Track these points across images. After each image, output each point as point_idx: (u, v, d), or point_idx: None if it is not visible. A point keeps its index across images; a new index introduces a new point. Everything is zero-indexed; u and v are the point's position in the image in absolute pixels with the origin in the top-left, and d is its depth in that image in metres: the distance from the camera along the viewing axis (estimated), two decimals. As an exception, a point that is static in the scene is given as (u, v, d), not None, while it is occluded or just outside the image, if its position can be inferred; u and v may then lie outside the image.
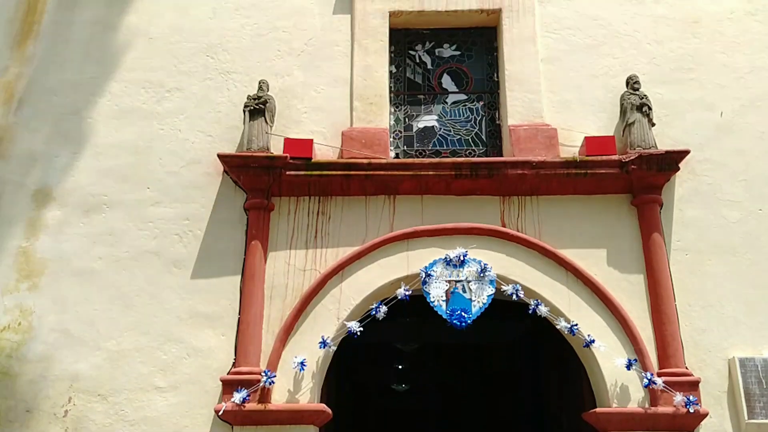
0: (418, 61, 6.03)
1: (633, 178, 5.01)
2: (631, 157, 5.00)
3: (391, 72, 5.83)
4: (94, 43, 5.90)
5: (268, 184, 5.16)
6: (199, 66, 5.77)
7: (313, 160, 5.22)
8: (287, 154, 5.16)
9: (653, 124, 5.23)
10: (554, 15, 5.88)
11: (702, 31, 5.83)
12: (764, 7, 5.93)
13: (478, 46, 6.06)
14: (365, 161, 5.20)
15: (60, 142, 5.56)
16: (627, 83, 5.46)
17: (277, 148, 5.27)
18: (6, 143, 5.59)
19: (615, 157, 5.08)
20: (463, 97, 5.91)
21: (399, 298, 4.77)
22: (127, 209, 5.32)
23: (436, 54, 6.06)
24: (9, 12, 6.05)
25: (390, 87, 5.76)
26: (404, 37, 6.04)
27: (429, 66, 6.02)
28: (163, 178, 5.41)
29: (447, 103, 5.90)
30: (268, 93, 5.46)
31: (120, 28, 5.94)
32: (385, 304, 4.78)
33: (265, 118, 5.35)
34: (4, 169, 5.51)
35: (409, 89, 5.93)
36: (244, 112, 5.39)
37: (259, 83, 5.49)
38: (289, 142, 5.29)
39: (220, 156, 5.20)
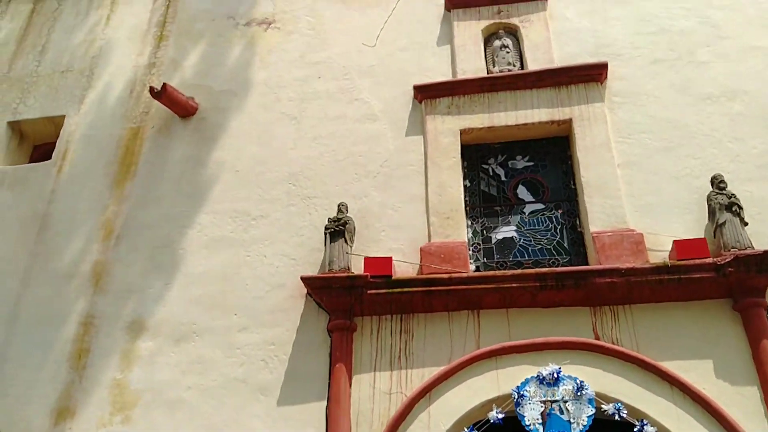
0: (491, 174, 6.42)
1: (732, 281, 5.01)
2: (727, 260, 5.03)
3: (465, 186, 6.23)
4: (185, 179, 6.64)
5: (350, 303, 5.48)
6: (282, 193, 6.37)
7: (393, 278, 5.52)
8: (368, 273, 5.50)
9: (746, 224, 5.28)
10: (626, 120, 6.19)
11: (785, 125, 5.96)
12: None
13: (551, 155, 6.41)
14: (446, 276, 5.47)
15: (153, 273, 6.16)
16: (712, 183, 5.59)
17: (357, 268, 5.64)
18: (104, 278, 6.24)
19: (709, 260, 5.12)
20: (540, 206, 6.19)
21: (492, 422, 4.80)
22: (215, 336, 5.73)
23: (510, 166, 6.44)
24: (110, 156, 6.96)
25: (465, 201, 6.13)
26: (476, 152, 6.49)
27: (503, 178, 6.39)
28: (250, 304, 5.84)
29: (525, 213, 6.18)
30: (348, 215, 5.93)
31: (208, 163, 6.69)
32: (477, 429, 4.81)
33: (345, 239, 5.78)
34: (102, 302, 6.12)
35: (484, 202, 6.28)
36: (325, 234, 5.85)
37: (339, 206, 5.99)
38: (369, 261, 5.66)
39: (303, 278, 5.61)
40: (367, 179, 6.32)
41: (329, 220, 5.92)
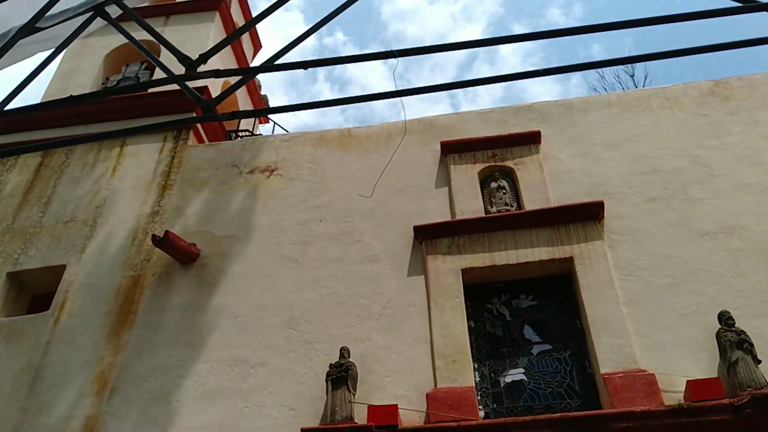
0: (496, 314, 6.60)
1: (750, 422, 5.01)
2: (744, 400, 5.06)
3: (470, 327, 6.37)
4: (184, 327, 6.80)
5: (354, 458, 5.39)
6: (282, 339, 6.50)
7: (399, 428, 5.49)
8: (372, 423, 5.48)
9: (759, 361, 5.36)
10: (627, 258, 6.48)
11: (787, 259, 6.22)
12: None
13: (555, 294, 6.62)
14: (454, 424, 5.44)
15: (147, 428, 6.12)
16: (720, 320, 5.75)
17: (361, 417, 5.63)
18: (95, 433, 6.18)
19: (725, 401, 5.15)
20: (548, 347, 6.29)
21: None
22: (210, 496, 5.57)
23: (514, 305, 6.63)
24: (108, 305, 7.17)
25: (471, 342, 6.24)
26: (480, 292, 6.71)
27: (508, 318, 6.55)
28: (248, 459, 5.75)
29: (532, 354, 6.27)
30: (350, 360, 6.01)
31: (208, 309, 6.89)
32: None
33: (348, 386, 5.82)
34: (91, 460, 6.01)
35: (491, 343, 6.38)
36: (327, 381, 5.89)
37: (341, 350, 6.09)
38: (373, 410, 5.66)
39: (303, 431, 5.56)
40: (369, 321, 6.48)
41: (331, 366, 6.00)
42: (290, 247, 7.24)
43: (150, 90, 9.51)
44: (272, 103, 13.51)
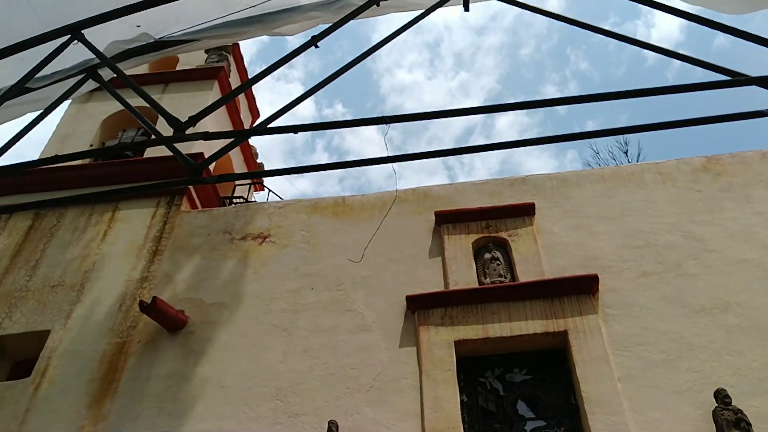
0: (489, 388, 6.70)
1: (749, 505, 5.05)
2: (741, 481, 5.12)
3: (462, 401, 6.46)
4: (168, 396, 6.87)
5: None
6: (268, 411, 6.56)
7: (387, 507, 5.50)
8: (360, 501, 5.48)
9: (756, 441, 5.44)
10: (622, 333, 6.65)
11: (783, 337, 6.40)
12: (842, 306, 6.57)
13: (549, 368, 6.75)
14: (444, 504, 5.45)
15: (125, 502, 6.08)
16: (716, 398, 5.88)
17: (348, 495, 5.62)
18: (70, 507, 6.14)
19: (723, 482, 5.20)
20: (542, 423, 6.37)
21: None
22: None
23: (507, 380, 6.74)
24: (91, 372, 7.24)
25: (463, 417, 6.31)
26: (473, 365, 6.83)
27: (501, 392, 6.65)
28: None
29: (526, 431, 6.32)
30: (338, 434, 6.06)
31: (193, 379, 6.97)
32: None
33: (335, 462, 5.84)
34: None
35: (483, 418, 6.45)
36: (314, 456, 5.92)
37: (329, 424, 6.16)
38: (361, 487, 5.67)
39: (288, 508, 5.57)
40: (359, 394, 6.57)
41: (318, 439, 6.05)
42: (280, 316, 7.40)
43: (145, 156, 9.89)
44: (262, 157, 13.92)
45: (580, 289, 6.94)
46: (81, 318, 7.81)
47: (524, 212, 7.87)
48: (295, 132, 2.93)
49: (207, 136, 2.97)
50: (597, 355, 6.46)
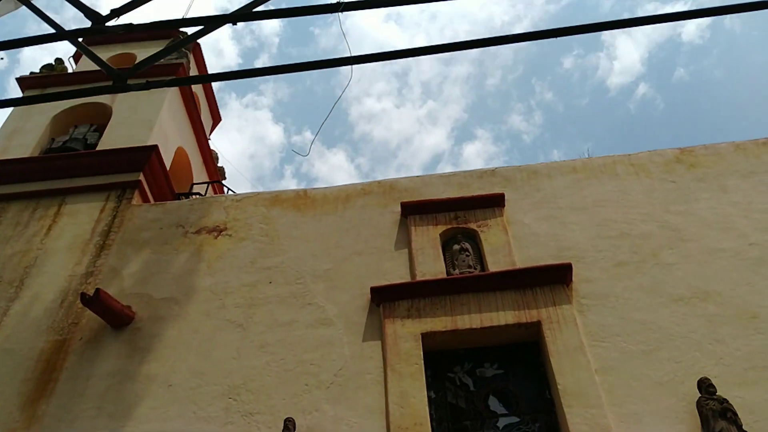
0: (458, 383, 6.23)
1: (740, 497, 4.65)
2: (730, 472, 4.73)
3: (430, 398, 5.98)
4: (110, 396, 6.26)
5: None
6: (220, 410, 6.00)
7: None
8: (317, 505, 4.95)
9: None
10: (598, 323, 6.27)
11: (764, 326, 6.09)
12: (822, 295, 6.29)
13: (521, 362, 6.33)
14: (410, 506, 4.95)
15: None
16: (699, 388, 5.53)
17: (305, 499, 5.09)
18: None
19: (710, 474, 4.80)
20: (515, 419, 5.94)
21: None
22: None
23: (478, 374, 6.30)
24: (27, 371, 6.60)
25: (431, 414, 5.82)
26: (441, 360, 6.37)
27: (471, 388, 6.19)
28: None
29: (498, 427, 5.89)
30: (295, 432, 5.53)
31: (138, 377, 6.38)
32: None
33: (291, 463, 5.31)
34: None
35: (452, 415, 5.98)
36: (268, 457, 5.38)
37: (285, 422, 5.64)
38: (319, 490, 5.14)
39: None
40: (318, 390, 6.04)
41: (273, 439, 5.51)
42: (235, 311, 6.86)
43: (95, 149, 9.34)
44: (229, 180, 13.40)
45: (554, 279, 6.56)
46: (18, 315, 7.17)
47: (494, 203, 7.51)
48: (234, 23, 2.50)
49: (130, 27, 2.52)
50: (572, 346, 6.05)
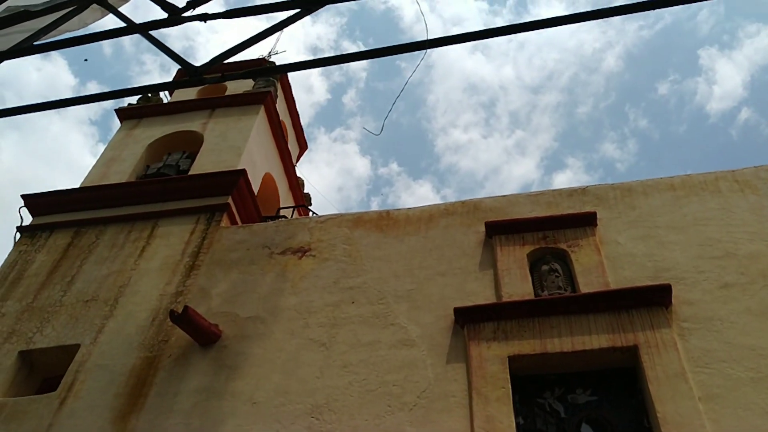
0: (548, 409, 6.01)
1: None
2: None
3: (518, 423, 5.79)
4: (197, 412, 6.43)
5: None
6: (303, 429, 6.05)
7: None
8: None
9: None
10: (701, 348, 5.91)
11: None
12: None
13: (616, 388, 6.04)
14: None
15: None
16: (819, 419, 5.06)
17: None
18: None
19: None
20: (610, 448, 5.61)
21: None
22: None
23: (569, 401, 6.05)
24: (119, 387, 6.90)
25: (519, 441, 5.62)
26: (529, 384, 6.17)
27: (562, 415, 5.95)
28: None
29: (592, 458, 5.59)
30: (378, 455, 5.47)
31: (224, 395, 6.53)
32: None
33: (374, 485, 5.25)
34: None
35: (542, 444, 5.74)
36: (350, 478, 5.35)
37: (368, 443, 5.57)
38: None
39: None
40: (401, 412, 5.98)
41: (355, 459, 5.48)
42: (318, 330, 6.93)
43: (187, 174, 9.79)
44: (316, 209, 13.69)
45: (651, 301, 6.25)
46: (112, 332, 7.53)
47: (585, 222, 7.28)
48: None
49: (205, 17, 2.62)
50: (673, 372, 5.72)
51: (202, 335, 7.03)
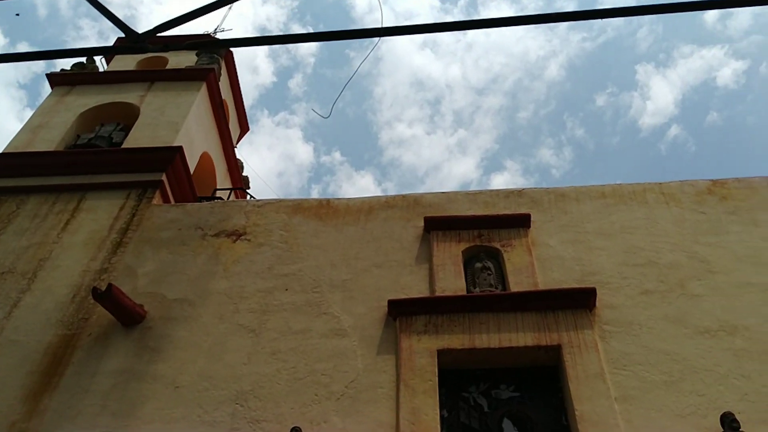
0: (473, 403, 6.13)
1: None
2: None
3: (442, 416, 5.88)
4: (115, 394, 6.24)
5: None
6: (226, 415, 5.95)
7: None
8: None
9: (770, 469, 4.92)
10: (620, 351, 6.16)
11: (795, 365, 5.94)
12: None
13: (539, 386, 6.21)
14: None
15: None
16: (722, 422, 5.40)
17: None
18: None
19: None
20: (529, 444, 5.79)
21: None
22: None
23: (493, 396, 6.19)
24: (32, 364, 6.61)
25: (442, 433, 5.72)
26: (456, 378, 6.27)
27: (486, 409, 6.09)
28: None
29: (511, 452, 5.75)
30: (302, 442, 5.46)
31: (145, 377, 6.36)
32: None
33: (296, 473, 5.24)
34: None
35: (465, 436, 5.87)
36: (272, 465, 5.31)
37: (292, 431, 5.55)
38: (323, 503, 5.05)
39: None
40: (328, 402, 5.98)
41: (279, 447, 5.45)
42: (248, 316, 6.84)
43: (120, 147, 9.46)
44: (254, 193, 13.50)
45: (576, 303, 6.47)
46: (28, 307, 7.21)
47: (519, 223, 7.46)
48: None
49: None
50: (592, 372, 5.94)
51: (126, 315, 6.81)
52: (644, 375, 5.98)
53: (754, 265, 6.89)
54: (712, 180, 7.97)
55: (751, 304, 6.49)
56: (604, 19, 2.94)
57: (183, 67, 11.23)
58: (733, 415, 5.40)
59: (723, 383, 5.85)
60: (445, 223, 7.50)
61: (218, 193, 10.85)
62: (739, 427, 5.30)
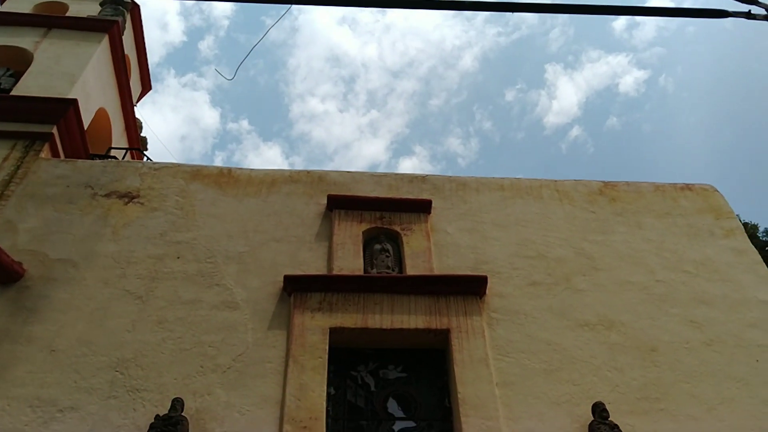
0: (360, 382, 6.17)
1: None
2: (613, 493, 4.87)
3: (329, 393, 5.89)
4: (-17, 354, 5.80)
5: None
6: (104, 382, 5.69)
7: (227, 499, 4.80)
8: (196, 491, 4.76)
9: (631, 455, 5.25)
10: (505, 338, 6.37)
11: (661, 360, 6.35)
12: (718, 337, 6.63)
13: (426, 368, 6.32)
14: (294, 500, 4.82)
15: None
16: (593, 411, 5.69)
17: (183, 483, 4.87)
18: None
19: (594, 494, 4.93)
20: (411, 424, 5.92)
21: None
22: None
23: (381, 375, 6.25)
24: None
25: (328, 410, 5.74)
26: (346, 357, 6.29)
27: (372, 388, 6.14)
28: None
29: (394, 430, 5.86)
30: (182, 413, 5.32)
31: (19, 338, 5.97)
32: None
33: (174, 446, 5.09)
34: None
35: (350, 414, 5.90)
36: (149, 435, 5.14)
37: (173, 402, 5.41)
38: (200, 476, 4.94)
39: (108, 492, 4.73)
40: (214, 374, 5.84)
41: (157, 417, 5.28)
42: (136, 282, 6.55)
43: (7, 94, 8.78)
44: (152, 155, 12.92)
45: (468, 290, 6.63)
46: None
47: (420, 208, 7.54)
48: None
49: None
50: (477, 357, 6.12)
51: (2, 272, 6.35)
52: (525, 363, 6.21)
53: (634, 264, 7.30)
54: (604, 182, 8.36)
55: (629, 302, 6.88)
56: (519, 14, 2.97)
57: (85, 16, 10.53)
58: (603, 405, 5.71)
59: (597, 374, 6.17)
60: (348, 202, 7.46)
61: (113, 152, 10.30)
62: (608, 416, 5.62)
